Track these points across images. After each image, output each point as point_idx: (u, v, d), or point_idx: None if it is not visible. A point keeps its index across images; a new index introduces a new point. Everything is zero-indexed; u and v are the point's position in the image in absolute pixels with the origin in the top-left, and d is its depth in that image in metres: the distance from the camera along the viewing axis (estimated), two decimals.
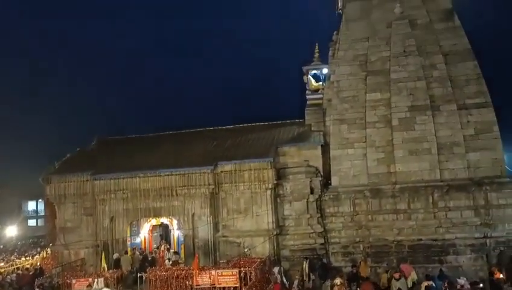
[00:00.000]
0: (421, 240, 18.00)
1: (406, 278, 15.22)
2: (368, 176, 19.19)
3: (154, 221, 22.31)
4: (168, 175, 19.86)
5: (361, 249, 18.65)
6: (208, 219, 19.56)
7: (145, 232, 22.43)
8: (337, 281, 14.51)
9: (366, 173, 19.24)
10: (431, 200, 18.25)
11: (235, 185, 19.67)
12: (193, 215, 19.78)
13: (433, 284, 14.50)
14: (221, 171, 19.71)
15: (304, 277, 17.33)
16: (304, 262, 17.75)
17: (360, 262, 17.59)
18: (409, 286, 15.23)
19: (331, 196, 19.35)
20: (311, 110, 22.31)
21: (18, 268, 23.66)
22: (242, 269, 15.33)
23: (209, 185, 19.61)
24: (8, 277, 21.45)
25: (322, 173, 19.98)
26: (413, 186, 18.47)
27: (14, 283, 20.02)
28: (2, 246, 43.23)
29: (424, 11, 20.59)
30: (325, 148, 20.35)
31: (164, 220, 22.12)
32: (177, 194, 19.92)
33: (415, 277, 15.71)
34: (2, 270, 23.34)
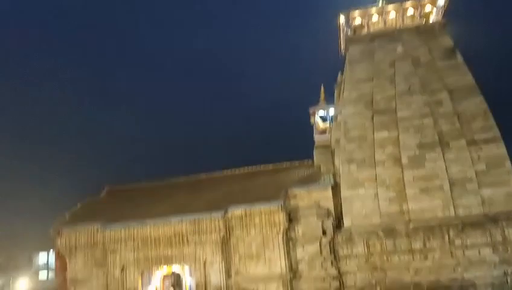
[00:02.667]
0: (439, 280, 17.45)
1: None
2: (380, 215, 18.90)
3: (165, 270, 21.97)
4: (179, 222, 19.74)
5: None
6: (220, 265, 19.23)
7: (156, 282, 22.03)
8: None
9: (379, 213, 18.96)
10: (447, 239, 17.83)
11: (246, 230, 19.45)
12: (205, 262, 19.49)
13: None
14: (232, 217, 19.56)
15: None
16: None
17: None
18: None
19: (344, 237, 19.01)
20: (320, 151, 22.37)
21: None
22: None
23: (219, 230, 19.43)
24: None
25: (333, 214, 19.73)
26: (428, 224, 18.11)
27: None
28: None
29: (426, 50, 20.95)
30: (336, 189, 20.20)
31: (175, 268, 21.78)
32: (188, 241, 19.71)
33: None
34: None
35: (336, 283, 18.58)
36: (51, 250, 52.40)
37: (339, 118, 21.63)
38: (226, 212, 19.55)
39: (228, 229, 19.59)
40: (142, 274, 20.66)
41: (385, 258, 18.39)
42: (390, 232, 18.41)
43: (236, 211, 19.56)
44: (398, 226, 18.39)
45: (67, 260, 21.35)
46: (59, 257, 23.37)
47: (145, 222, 20.06)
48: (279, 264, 18.91)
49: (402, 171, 18.99)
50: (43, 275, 59.64)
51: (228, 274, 19.42)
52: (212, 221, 19.49)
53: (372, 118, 20.29)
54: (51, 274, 56.51)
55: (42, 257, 60.71)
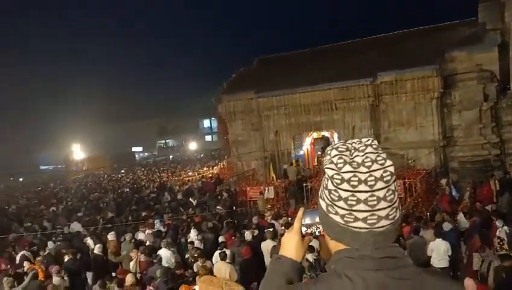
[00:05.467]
0: None
1: None
2: None
3: (315, 134, 23.13)
4: (327, 89, 19.97)
5: None
6: (369, 131, 19.42)
7: (307, 145, 23.51)
8: None
9: None
10: None
11: (397, 96, 18.86)
12: (353, 128, 19.84)
13: None
14: (381, 82, 19.00)
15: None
16: (491, 179, 15.52)
17: None
18: None
19: (510, 103, 17.24)
20: (486, 5, 19.39)
21: (202, 177, 27.44)
22: (406, 180, 15.15)
23: (368, 97, 19.21)
24: (195, 184, 25.14)
25: (498, 78, 17.74)
26: None
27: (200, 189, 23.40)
28: (187, 158, 50.34)
29: None
30: (503, 49, 17.81)
31: (325, 133, 22.74)
32: (336, 108, 20.06)
33: None
34: (191, 178, 27.41)
35: (496, 151, 17.47)
36: (213, 117, 58.86)
37: None
38: (375, 78, 19.04)
39: (377, 96, 19.24)
40: (293, 138, 22.17)
41: None
42: None
43: (386, 77, 18.89)
44: None
45: (228, 125, 23.84)
46: (221, 122, 26.20)
47: (294, 89, 20.78)
48: (432, 131, 18.30)
49: None
50: (208, 137, 68.27)
51: (377, 140, 19.48)
52: (360, 88, 19.27)
53: None
54: (214, 137, 64.30)
55: (206, 123, 68.95)
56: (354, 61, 20.87)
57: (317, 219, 1.42)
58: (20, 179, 47.24)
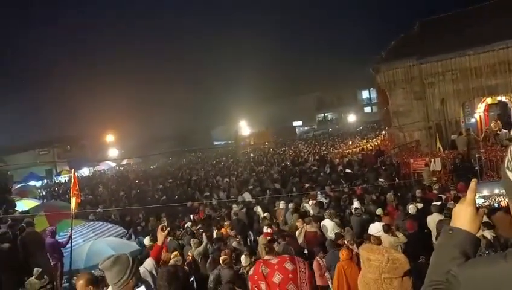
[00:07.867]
0: None
1: None
2: None
3: (489, 100, 20.83)
4: (503, 48, 17.74)
5: None
6: None
7: (480, 112, 21.34)
8: None
9: None
10: None
11: None
12: None
13: None
14: None
15: None
16: None
17: None
18: None
19: None
20: None
21: (362, 149, 27.23)
22: None
23: None
24: (355, 156, 25.09)
25: None
26: None
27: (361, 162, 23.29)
28: (346, 131, 50.24)
29: None
30: None
31: (501, 98, 20.31)
32: None
33: None
34: (350, 151, 27.46)
35: None
36: (371, 88, 57.16)
37: None
38: None
39: None
40: (463, 105, 20.36)
41: None
42: None
43: None
44: None
45: (387, 95, 23.01)
46: (380, 92, 25.41)
47: (463, 52, 18.95)
48: None
49: None
50: (367, 109, 66.72)
51: None
52: None
53: None
54: (373, 108, 62.54)
55: (365, 94, 67.41)
56: None
57: (496, 191, 1.44)
58: (199, 154, 53.37)
